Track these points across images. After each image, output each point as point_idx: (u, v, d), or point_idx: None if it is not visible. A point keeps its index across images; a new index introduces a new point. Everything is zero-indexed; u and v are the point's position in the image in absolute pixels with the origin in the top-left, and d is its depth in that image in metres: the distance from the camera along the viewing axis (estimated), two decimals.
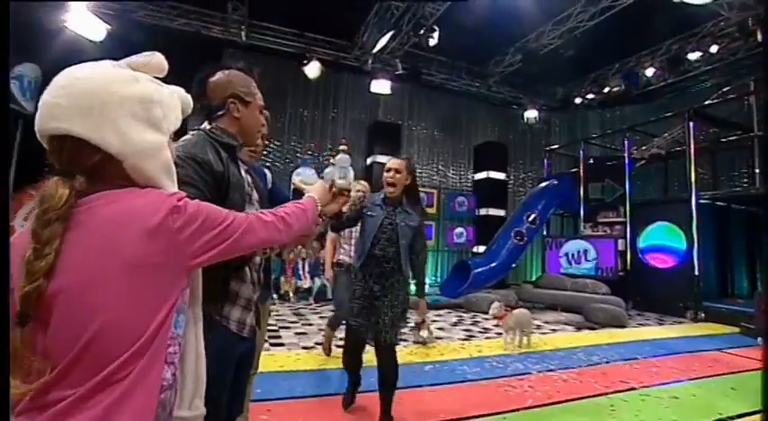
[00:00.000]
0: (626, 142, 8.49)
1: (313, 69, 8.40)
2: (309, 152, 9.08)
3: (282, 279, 7.58)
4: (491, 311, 4.69)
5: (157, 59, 0.87)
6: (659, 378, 3.75)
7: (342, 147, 1.90)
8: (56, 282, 0.67)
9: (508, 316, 4.63)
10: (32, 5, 6.03)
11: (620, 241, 7.96)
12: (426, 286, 2.56)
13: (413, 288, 2.58)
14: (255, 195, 1.35)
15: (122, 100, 0.76)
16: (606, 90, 9.85)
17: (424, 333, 4.68)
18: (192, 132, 1.27)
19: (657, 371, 3.98)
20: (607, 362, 4.23)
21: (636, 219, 8.14)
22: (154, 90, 0.82)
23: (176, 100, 0.89)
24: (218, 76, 1.30)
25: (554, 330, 5.95)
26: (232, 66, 1.33)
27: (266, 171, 2.24)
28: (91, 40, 6.62)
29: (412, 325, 4.74)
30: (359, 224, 2.53)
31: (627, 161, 8.41)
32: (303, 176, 1.91)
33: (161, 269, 0.74)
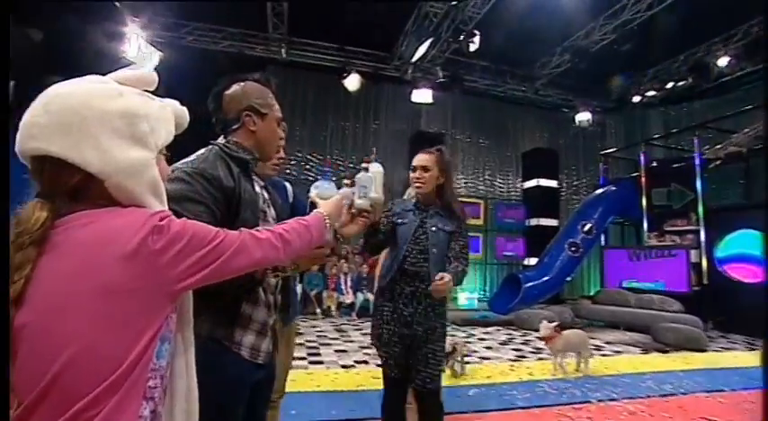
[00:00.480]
0: (696, 141, 7.66)
1: (353, 82, 8.44)
2: (327, 168, 9.07)
3: (325, 294, 7.55)
4: (540, 332, 4.25)
5: (146, 72, 0.83)
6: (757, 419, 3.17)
7: (364, 165, 1.66)
8: (23, 311, 0.64)
9: (557, 337, 4.13)
10: (94, 40, 6.52)
11: (692, 252, 7.13)
12: (462, 275, 2.02)
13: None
14: (272, 212, 1.30)
15: (103, 115, 0.72)
16: (670, 85, 8.99)
17: (456, 365, 3.97)
18: (206, 148, 1.23)
19: (752, 409, 3.32)
20: (684, 394, 3.66)
21: (712, 226, 7.24)
22: (140, 104, 0.77)
23: (167, 113, 0.83)
24: (234, 88, 1.26)
25: (616, 352, 5.36)
26: (249, 78, 1.29)
27: (287, 184, 2.11)
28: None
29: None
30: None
31: (698, 162, 7.56)
32: (320, 190, 1.72)
33: (140, 294, 0.69)
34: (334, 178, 1.62)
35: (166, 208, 0.80)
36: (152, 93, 0.84)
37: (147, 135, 0.77)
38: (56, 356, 0.63)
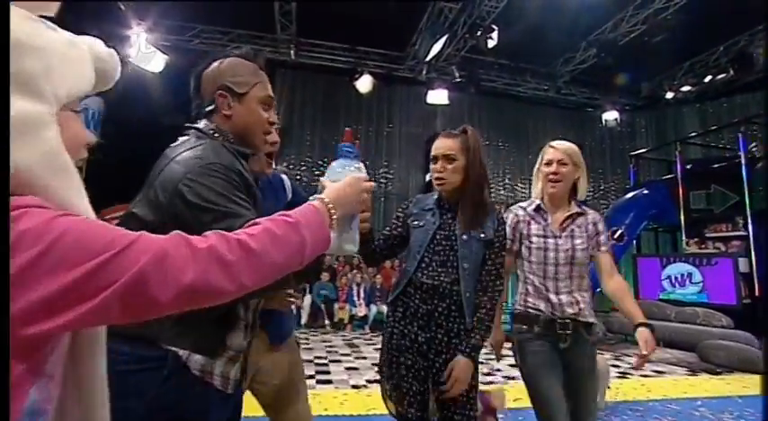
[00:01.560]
0: (740, 139, 6.99)
1: (365, 84, 8.19)
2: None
3: (336, 306, 7.20)
4: None
5: None
6: None
7: (343, 143, 1.16)
8: None
9: None
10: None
11: (740, 260, 6.45)
12: (482, 339, 1.57)
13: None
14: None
15: None
16: (707, 79, 8.32)
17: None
18: (186, 135, 1.04)
19: None
20: None
21: (763, 232, 6.54)
22: (23, 29, 0.51)
23: (79, 52, 0.59)
24: (211, 66, 1.08)
25: (658, 372, 4.82)
26: (231, 54, 1.10)
27: (284, 177, 1.71)
28: (152, 72, 6.93)
29: None
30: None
31: (744, 161, 6.89)
32: (330, 172, 1.18)
33: None
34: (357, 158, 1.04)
35: (75, 193, 0.53)
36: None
37: (38, 78, 0.51)
38: None
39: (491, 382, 3.69)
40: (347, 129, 1.06)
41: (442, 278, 1.56)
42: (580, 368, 1.73)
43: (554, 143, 1.85)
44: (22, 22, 0.52)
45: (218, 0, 6.56)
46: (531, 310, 1.76)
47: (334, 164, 0.95)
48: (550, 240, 1.77)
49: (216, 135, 1.03)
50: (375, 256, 1.70)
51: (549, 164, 1.79)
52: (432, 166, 1.64)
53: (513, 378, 4.24)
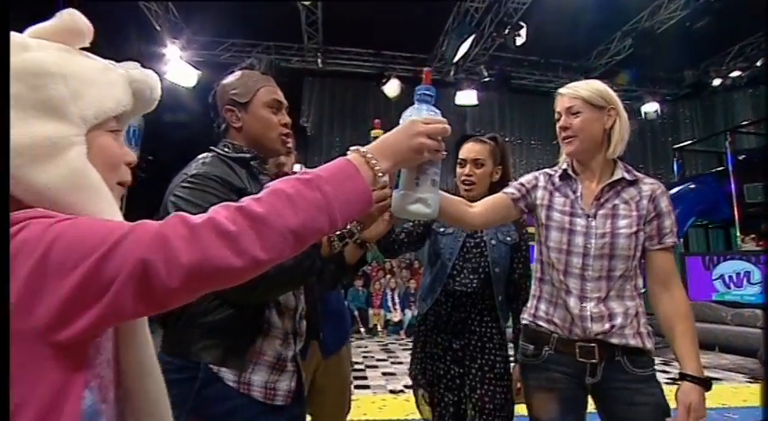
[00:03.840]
0: None
1: (392, 88, 8.15)
2: None
3: (371, 311, 7.20)
4: None
5: (68, 19, 0.59)
6: None
7: (374, 132, 1.09)
8: None
9: None
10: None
11: None
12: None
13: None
14: None
15: None
16: (760, 62, 7.77)
17: None
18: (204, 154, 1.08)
19: None
20: None
21: None
22: (51, 59, 0.55)
23: (112, 76, 0.61)
24: (219, 86, 1.12)
25: (715, 379, 4.47)
26: (234, 69, 1.13)
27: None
28: (185, 87, 7.20)
29: None
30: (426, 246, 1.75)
31: None
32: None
33: None
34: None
35: (102, 208, 0.55)
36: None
37: (66, 102, 0.54)
38: None
39: None
40: (426, 69, 0.88)
41: (474, 285, 1.59)
42: (622, 417, 1.20)
43: (563, 88, 1.34)
44: (52, 53, 0.57)
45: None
46: (541, 324, 1.29)
47: (405, 112, 0.80)
48: (578, 220, 1.26)
49: (226, 149, 1.06)
50: (394, 249, 1.67)
51: (559, 117, 1.31)
52: (459, 170, 1.67)
53: None
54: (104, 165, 0.58)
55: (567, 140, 1.29)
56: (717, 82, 8.61)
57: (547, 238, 1.31)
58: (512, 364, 1.60)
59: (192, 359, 0.92)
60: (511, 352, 1.61)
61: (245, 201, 0.54)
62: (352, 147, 0.68)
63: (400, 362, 5.11)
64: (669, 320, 1.21)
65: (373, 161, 0.65)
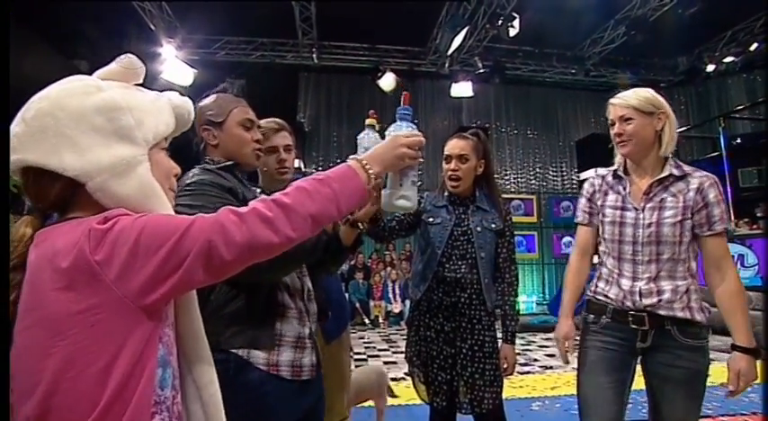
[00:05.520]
0: None
1: (388, 81, 8.17)
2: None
3: (372, 303, 7.30)
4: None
5: (128, 63, 0.73)
6: None
7: (368, 121, 1.09)
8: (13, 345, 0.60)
9: None
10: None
11: None
12: (516, 324, 1.75)
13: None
14: None
15: (80, 113, 0.66)
16: (753, 47, 7.74)
17: None
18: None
19: None
20: None
21: None
22: (119, 96, 0.70)
23: (160, 105, 0.75)
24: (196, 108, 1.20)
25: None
26: (209, 93, 1.24)
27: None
28: (182, 86, 7.24)
29: None
30: (416, 232, 1.85)
31: None
32: (365, 140, 1.14)
33: (95, 318, 0.58)
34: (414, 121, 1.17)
35: (164, 210, 0.71)
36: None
37: (133, 129, 0.69)
38: (28, 398, 0.58)
39: (527, 372, 3.65)
40: (405, 92, 1.11)
41: (462, 270, 1.69)
42: (665, 377, 1.38)
43: (614, 98, 1.49)
44: (119, 91, 0.71)
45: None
46: (599, 298, 1.50)
47: (389, 128, 1.02)
48: (628, 213, 1.45)
49: (209, 163, 1.17)
50: (384, 235, 1.81)
51: (613, 124, 1.48)
52: (445, 166, 1.74)
53: (550, 367, 4.19)
54: (161, 176, 0.73)
55: (621, 143, 1.46)
56: (710, 68, 8.62)
57: (603, 231, 1.52)
58: (499, 342, 1.73)
59: (223, 348, 1.00)
60: (499, 334, 1.74)
61: (277, 195, 0.72)
62: (351, 157, 0.87)
63: (401, 352, 5.17)
64: (722, 298, 1.37)
65: (368, 166, 0.83)
